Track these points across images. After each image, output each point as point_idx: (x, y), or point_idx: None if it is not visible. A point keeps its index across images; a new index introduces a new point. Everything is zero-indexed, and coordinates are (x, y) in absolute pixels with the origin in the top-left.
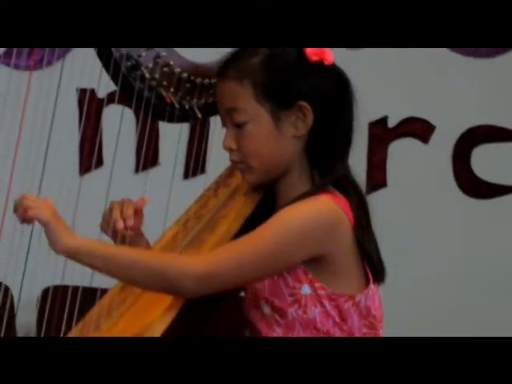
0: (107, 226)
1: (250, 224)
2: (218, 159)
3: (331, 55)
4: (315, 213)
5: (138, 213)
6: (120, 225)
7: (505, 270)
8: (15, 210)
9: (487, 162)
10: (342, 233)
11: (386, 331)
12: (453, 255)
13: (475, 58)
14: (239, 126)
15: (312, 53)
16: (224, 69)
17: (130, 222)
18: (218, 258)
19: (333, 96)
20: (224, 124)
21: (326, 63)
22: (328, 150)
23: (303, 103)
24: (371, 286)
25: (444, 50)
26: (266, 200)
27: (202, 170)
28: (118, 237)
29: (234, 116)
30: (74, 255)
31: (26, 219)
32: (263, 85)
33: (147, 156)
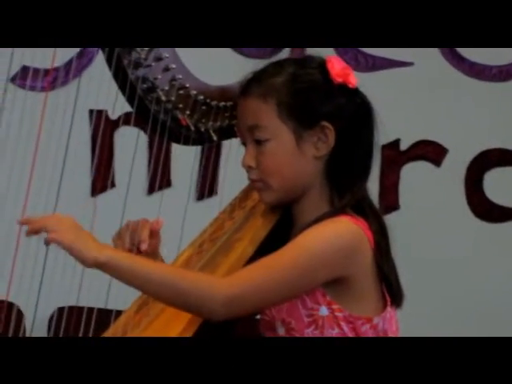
0: (122, 242)
1: (267, 246)
2: (231, 181)
3: (355, 78)
4: (337, 235)
5: (154, 235)
6: (144, 247)
7: None
8: (33, 230)
9: (500, 185)
10: (362, 255)
11: None
12: (465, 279)
13: (488, 81)
14: (260, 144)
15: (336, 74)
16: (248, 86)
17: (144, 247)
18: (244, 283)
19: (355, 118)
20: (243, 142)
21: (350, 86)
22: (348, 171)
23: (326, 124)
24: (389, 308)
25: (457, 74)
26: (283, 222)
27: (215, 192)
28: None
29: (256, 133)
30: (102, 268)
31: (46, 242)
32: (287, 103)
33: (161, 178)
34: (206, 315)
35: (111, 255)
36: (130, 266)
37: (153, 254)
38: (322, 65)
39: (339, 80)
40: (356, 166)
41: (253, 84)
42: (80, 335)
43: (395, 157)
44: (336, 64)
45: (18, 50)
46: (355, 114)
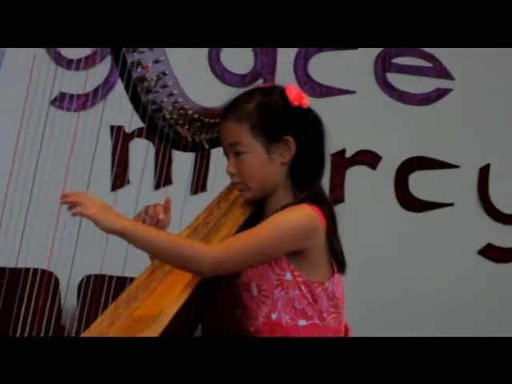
0: (143, 221)
1: (244, 229)
2: (218, 180)
3: (307, 100)
4: (298, 217)
5: (167, 210)
6: (161, 216)
7: (432, 266)
8: (67, 202)
9: (420, 184)
10: (317, 233)
11: None
12: (393, 255)
13: (413, 105)
14: (239, 156)
15: (293, 98)
16: (226, 113)
17: (161, 216)
18: (226, 249)
19: (310, 132)
20: (226, 154)
21: (304, 106)
22: (306, 172)
23: (288, 138)
24: (336, 275)
25: (389, 100)
26: (257, 210)
27: (205, 188)
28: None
29: (236, 148)
30: (120, 235)
31: (75, 215)
32: (258, 124)
33: (164, 177)
34: (197, 273)
35: (125, 224)
36: (139, 232)
37: (164, 227)
38: (282, 92)
39: (296, 103)
40: (312, 168)
41: (230, 111)
42: (102, 299)
43: (341, 162)
44: (293, 90)
45: (57, 79)
46: (309, 128)
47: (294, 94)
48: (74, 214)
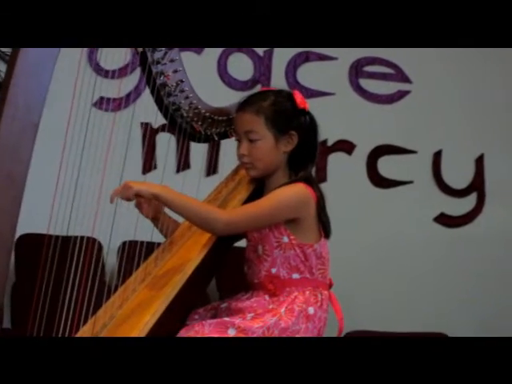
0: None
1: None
2: (226, 165)
3: (308, 105)
4: (294, 191)
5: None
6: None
7: (397, 230)
8: (120, 194)
9: (387, 166)
10: (308, 205)
11: None
12: (365, 223)
13: (380, 104)
14: (252, 141)
15: (300, 102)
16: (245, 105)
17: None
18: (236, 213)
19: (309, 129)
20: (239, 140)
21: (306, 110)
22: (302, 160)
23: (293, 132)
24: (322, 239)
25: (361, 99)
26: (258, 189)
27: (216, 172)
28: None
29: (250, 135)
30: (157, 198)
31: (129, 198)
32: (271, 118)
33: (184, 163)
34: (212, 231)
35: (161, 190)
36: (171, 195)
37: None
38: (290, 95)
39: (301, 106)
40: (307, 157)
41: (247, 105)
42: (135, 259)
43: (324, 149)
44: (299, 95)
45: (97, 86)
46: (309, 127)
47: (300, 98)
48: (128, 197)
